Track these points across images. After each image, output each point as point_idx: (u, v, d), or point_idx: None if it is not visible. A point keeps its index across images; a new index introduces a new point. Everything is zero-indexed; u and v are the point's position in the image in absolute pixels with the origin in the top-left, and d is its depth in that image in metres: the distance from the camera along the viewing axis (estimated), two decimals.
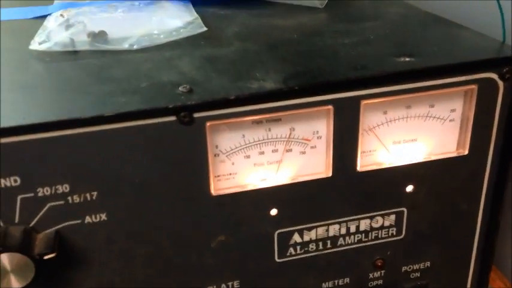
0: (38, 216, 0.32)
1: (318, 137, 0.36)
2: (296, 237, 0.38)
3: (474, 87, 0.37)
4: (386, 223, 0.40)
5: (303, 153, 0.36)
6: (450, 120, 0.38)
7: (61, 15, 0.46)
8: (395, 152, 0.38)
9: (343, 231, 0.39)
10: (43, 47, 0.40)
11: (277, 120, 0.35)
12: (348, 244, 0.40)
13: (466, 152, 0.39)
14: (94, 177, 0.32)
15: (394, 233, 0.40)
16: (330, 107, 0.35)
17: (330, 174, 0.37)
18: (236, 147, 0.35)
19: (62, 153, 0.31)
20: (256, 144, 0.35)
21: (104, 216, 0.33)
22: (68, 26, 0.44)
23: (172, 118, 0.32)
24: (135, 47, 0.41)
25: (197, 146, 0.33)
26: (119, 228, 0.34)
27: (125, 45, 0.41)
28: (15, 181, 0.31)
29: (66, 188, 0.32)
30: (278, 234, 0.37)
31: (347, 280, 0.41)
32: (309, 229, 0.38)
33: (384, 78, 0.35)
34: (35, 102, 0.32)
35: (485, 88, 0.37)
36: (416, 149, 0.38)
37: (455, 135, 0.39)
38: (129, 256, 0.35)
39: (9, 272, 0.30)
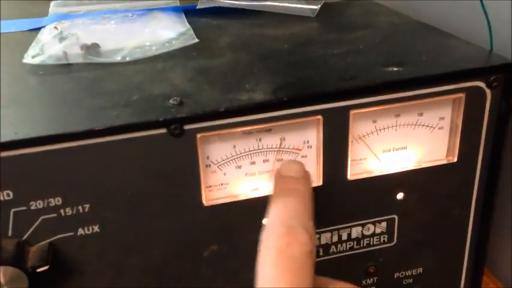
0: (31, 229, 0.32)
1: (308, 147, 0.37)
2: None
3: (462, 95, 0.37)
4: (378, 230, 0.40)
5: None
6: (439, 128, 0.39)
7: (55, 27, 0.47)
8: (386, 160, 0.38)
9: (335, 239, 0.39)
10: (36, 61, 0.41)
11: (267, 130, 0.35)
12: (340, 252, 0.40)
13: (456, 159, 0.39)
14: (86, 190, 0.32)
15: (386, 240, 0.41)
16: (319, 117, 0.35)
17: (320, 183, 0.37)
18: (227, 158, 0.35)
19: (54, 167, 0.31)
20: (247, 155, 0.36)
21: (96, 228, 0.33)
22: (62, 39, 0.44)
23: (163, 130, 0.32)
24: (127, 59, 0.41)
25: (188, 157, 0.34)
26: (111, 239, 0.34)
27: (118, 58, 0.41)
28: (8, 195, 0.31)
29: (58, 200, 0.32)
30: None
31: None
32: None
33: (372, 88, 0.35)
34: (27, 117, 0.33)
35: (473, 96, 0.37)
36: (406, 157, 0.39)
37: (445, 142, 0.39)
38: (122, 267, 0.35)
39: (2, 285, 0.31)
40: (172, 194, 0.34)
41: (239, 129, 0.34)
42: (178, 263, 0.36)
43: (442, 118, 0.38)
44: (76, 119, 0.32)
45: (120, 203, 0.33)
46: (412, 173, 0.39)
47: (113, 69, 0.40)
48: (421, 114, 0.38)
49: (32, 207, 0.32)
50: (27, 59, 0.41)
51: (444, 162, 0.39)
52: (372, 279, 0.42)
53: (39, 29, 0.49)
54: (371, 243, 0.40)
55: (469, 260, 0.44)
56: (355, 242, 0.40)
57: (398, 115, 0.37)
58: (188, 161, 0.34)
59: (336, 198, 0.38)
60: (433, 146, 0.39)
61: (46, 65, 0.41)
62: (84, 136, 0.31)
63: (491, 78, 0.37)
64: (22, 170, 0.31)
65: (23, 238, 0.32)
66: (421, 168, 0.39)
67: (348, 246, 0.40)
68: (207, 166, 0.35)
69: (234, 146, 0.35)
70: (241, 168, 0.36)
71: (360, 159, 0.38)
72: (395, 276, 0.42)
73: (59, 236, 0.33)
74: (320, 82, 0.36)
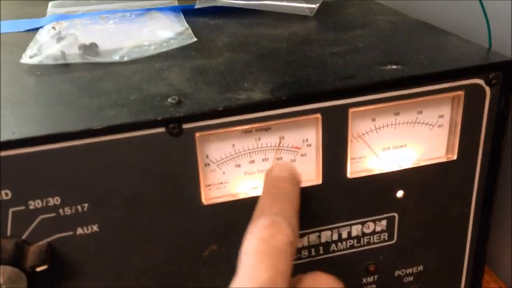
0: (30, 229, 0.32)
1: (307, 145, 0.36)
2: None
3: (461, 93, 0.37)
4: (378, 228, 0.40)
5: (293, 161, 0.37)
6: (438, 126, 0.38)
7: (53, 27, 0.47)
8: (385, 158, 0.38)
9: (335, 237, 0.39)
10: (34, 61, 0.41)
11: (266, 129, 0.35)
12: (340, 250, 0.40)
13: (455, 157, 0.39)
14: (85, 190, 0.32)
15: (386, 238, 0.40)
16: (318, 115, 0.35)
17: (320, 181, 0.37)
18: (226, 157, 0.35)
19: (53, 166, 0.31)
20: (247, 153, 0.36)
21: (95, 228, 0.33)
22: (60, 39, 0.44)
23: (162, 130, 0.32)
24: (125, 58, 0.41)
25: (187, 157, 0.34)
26: (110, 239, 0.34)
27: (116, 57, 0.41)
28: (6, 194, 0.31)
29: (57, 200, 0.32)
30: None
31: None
32: (301, 236, 0.38)
33: (370, 86, 0.35)
34: (25, 117, 0.33)
35: (473, 94, 0.37)
36: (405, 155, 0.39)
37: (444, 140, 0.39)
38: (121, 267, 0.35)
39: (1, 284, 0.31)
40: (172, 193, 0.34)
41: (238, 128, 0.34)
42: (178, 263, 0.36)
43: (441, 116, 0.38)
44: (74, 119, 0.32)
45: (119, 203, 0.33)
46: (411, 171, 0.39)
47: (111, 69, 0.40)
48: (420, 112, 0.38)
49: (31, 207, 0.32)
50: (25, 59, 0.41)
51: (444, 160, 0.39)
52: (372, 278, 0.42)
53: (37, 29, 0.49)
54: (371, 242, 0.40)
55: (469, 258, 0.43)
56: (355, 240, 0.40)
57: (397, 113, 0.37)
58: (187, 160, 0.34)
59: (336, 197, 0.38)
60: (433, 144, 0.39)
61: (44, 65, 0.41)
62: (82, 135, 0.31)
63: (491, 76, 0.37)
64: (20, 169, 0.31)
65: (22, 238, 0.32)
66: (420, 166, 0.39)
67: (348, 244, 0.40)
68: (206, 165, 0.35)
69: (233, 145, 0.35)
70: (240, 167, 0.36)
71: (360, 158, 0.38)
72: (396, 274, 0.42)
73: (57, 236, 0.33)
74: (319, 81, 0.36)
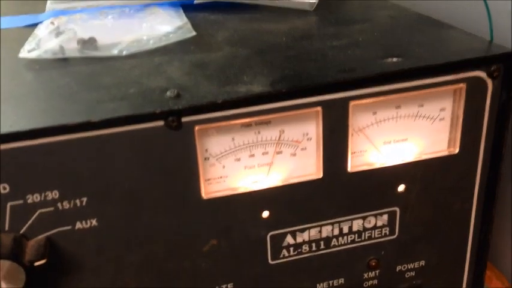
0: (28, 223, 0.32)
1: (308, 139, 0.36)
2: (289, 239, 0.38)
3: (463, 86, 0.37)
4: (379, 223, 0.40)
5: (294, 155, 0.36)
6: (440, 119, 0.38)
7: (52, 22, 0.46)
8: (386, 152, 0.38)
9: (336, 232, 0.39)
10: (33, 55, 0.40)
11: (266, 122, 0.35)
12: (341, 245, 0.40)
13: (457, 151, 0.39)
14: (83, 183, 0.32)
15: (387, 233, 0.40)
16: (319, 108, 0.35)
17: (320, 175, 0.37)
18: (226, 151, 0.35)
19: (51, 160, 0.31)
20: (246, 147, 0.35)
21: (94, 222, 0.33)
22: (58, 34, 0.44)
23: (161, 123, 0.32)
24: (124, 53, 0.41)
25: (186, 150, 0.33)
26: (110, 233, 0.34)
27: (114, 52, 0.41)
28: (4, 188, 0.31)
29: (55, 194, 0.32)
30: (271, 236, 0.38)
31: (341, 281, 0.41)
32: (302, 230, 0.38)
33: (371, 79, 0.35)
34: (23, 111, 0.33)
35: (474, 87, 0.37)
36: (407, 149, 0.38)
37: (446, 134, 0.39)
38: (120, 262, 0.35)
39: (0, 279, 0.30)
40: (171, 187, 0.34)
41: (237, 122, 0.34)
42: (178, 257, 0.36)
43: (442, 109, 0.38)
44: (73, 112, 0.32)
45: (118, 197, 0.33)
46: (413, 165, 0.38)
47: (109, 63, 0.40)
48: (421, 106, 0.37)
49: (29, 201, 0.31)
50: (24, 53, 0.41)
51: (445, 153, 0.39)
52: (373, 273, 0.41)
53: (36, 25, 0.49)
54: (372, 236, 0.40)
55: (471, 253, 0.43)
56: (356, 235, 0.39)
57: (398, 106, 0.37)
58: (186, 154, 0.33)
59: (336, 191, 0.38)
60: (434, 137, 0.39)
61: (43, 59, 0.40)
62: (81, 128, 0.31)
63: (492, 68, 0.37)
64: (18, 163, 0.31)
65: (20, 232, 0.32)
66: (422, 160, 0.38)
67: (349, 239, 0.39)
68: (205, 159, 0.35)
69: (233, 139, 0.35)
70: (240, 161, 0.35)
71: (360, 151, 0.38)
72: (398, 269, 0.42)
73: (56, 230, 0.33)
74: (319, 74, 0.36)
